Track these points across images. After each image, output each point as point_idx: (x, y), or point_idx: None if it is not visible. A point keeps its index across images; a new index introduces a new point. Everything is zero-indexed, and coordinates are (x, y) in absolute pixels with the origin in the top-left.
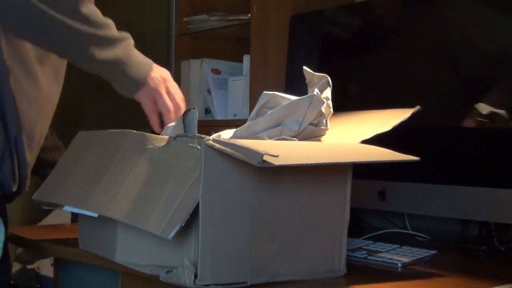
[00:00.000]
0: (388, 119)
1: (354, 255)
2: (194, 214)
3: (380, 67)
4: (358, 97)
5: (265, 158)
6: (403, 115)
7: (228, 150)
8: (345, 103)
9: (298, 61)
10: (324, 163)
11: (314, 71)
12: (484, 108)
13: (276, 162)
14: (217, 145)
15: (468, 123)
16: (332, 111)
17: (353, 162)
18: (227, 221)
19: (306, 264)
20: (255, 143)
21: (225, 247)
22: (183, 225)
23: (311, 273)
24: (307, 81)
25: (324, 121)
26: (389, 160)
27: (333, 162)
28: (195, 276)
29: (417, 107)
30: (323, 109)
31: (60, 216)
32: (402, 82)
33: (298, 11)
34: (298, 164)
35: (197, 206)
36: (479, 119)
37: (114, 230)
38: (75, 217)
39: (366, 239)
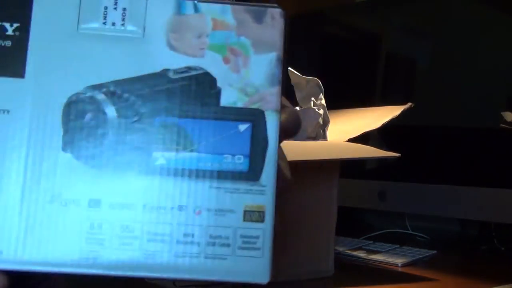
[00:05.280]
0: (379, 117)
1: (354, 255)
2: None
3: (380, 67)
4: (358, 97)
5: None
6: (394, 112)
7: None
8: (344, 103)
9: (298, 61)
10: (294, 160)
11: (314, 71)
12: (509, 115)
13: None
14: None
15: (468, 123)
16: (329, 120)
17: (328, 159)
18: None
19: (291, 264)
20: None
21: None
22: None
23: (297, 274)
24: (292, 83)
25: (322, 131)
26: (370, 157)
27: (305, 160)
28: None
29: (409, 104)
30: (320, 121)
31: None
32: (402, 82)
33: (298, 11)
34: None
35: None
36: (504, 125)
37: None
38: None
39: (366, 239)
